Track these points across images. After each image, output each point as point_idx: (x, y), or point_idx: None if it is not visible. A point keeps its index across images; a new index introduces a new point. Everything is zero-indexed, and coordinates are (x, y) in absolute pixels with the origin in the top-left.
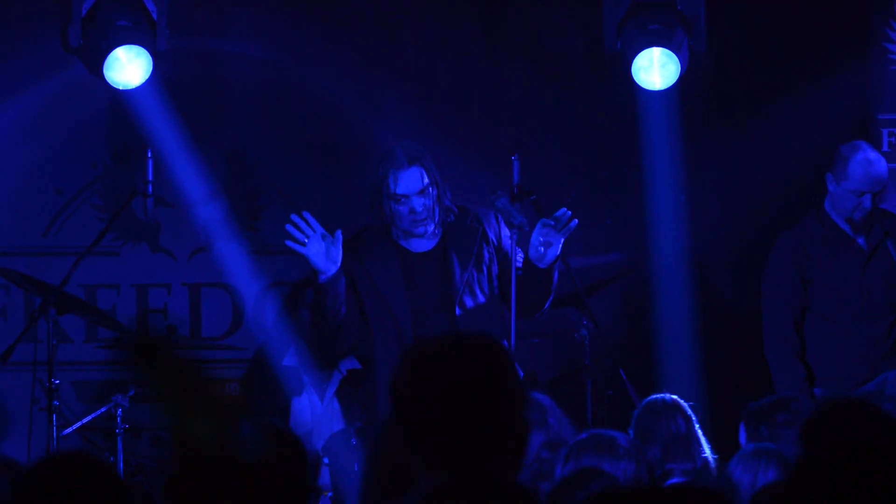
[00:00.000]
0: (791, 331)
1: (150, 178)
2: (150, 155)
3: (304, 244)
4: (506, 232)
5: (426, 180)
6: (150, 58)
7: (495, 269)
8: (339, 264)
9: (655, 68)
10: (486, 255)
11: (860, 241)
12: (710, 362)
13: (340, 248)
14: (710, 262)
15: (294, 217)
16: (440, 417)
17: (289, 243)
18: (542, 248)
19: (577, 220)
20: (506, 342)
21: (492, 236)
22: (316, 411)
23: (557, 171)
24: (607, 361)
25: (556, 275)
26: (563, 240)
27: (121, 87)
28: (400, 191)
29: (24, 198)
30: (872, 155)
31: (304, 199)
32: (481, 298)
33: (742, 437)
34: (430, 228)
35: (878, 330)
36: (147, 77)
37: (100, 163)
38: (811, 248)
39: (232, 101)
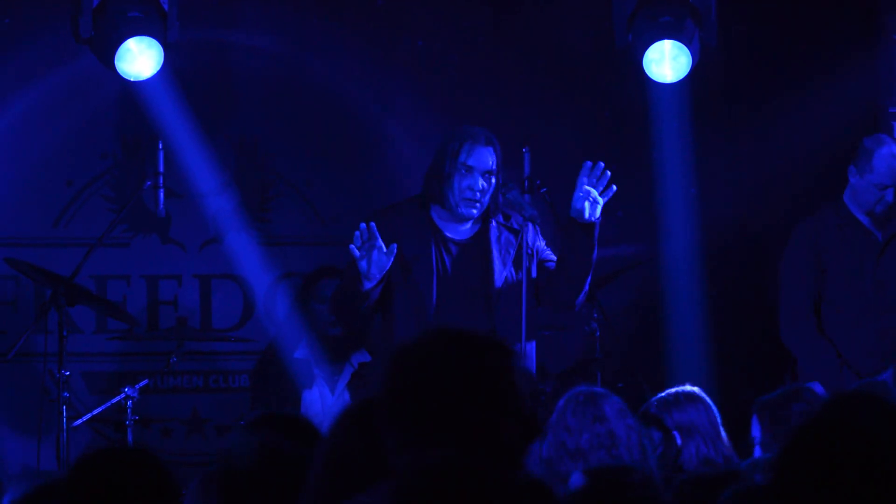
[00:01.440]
0: (811, 314)
1: (161, 169)
2: (160, 146)
3: (360, 250)
4: (541, 244)
5: (494, 166)
6: (161, 49)
7: (534, 273)
8: (383, 274)
9: (666, 61)
10: (525, 260)
11: (877, 233)
12: (720, 354)
13: (391, 261)
14: (720, 254)
15: (362, 225)
16: (427, 408)
17: (351, 248)
18: (590, 202)
19: (614, 187)
20: (533, 343)
21: (531, 244)
22: (326, 404)
23: (568, 163)
24: (617, 353)
25: (596, 238)
26: (603, 200)
27: (132, 79)
28: (471, 162)
29: (35, 189)
30: None
31: (315, 190)
32: (514, 300)
33: (755, 431)
34: (476, 214)
35: (889, 322)
36: (158, 68)
37: (110, 154)
38: (827, 237)
39: (242, 92)
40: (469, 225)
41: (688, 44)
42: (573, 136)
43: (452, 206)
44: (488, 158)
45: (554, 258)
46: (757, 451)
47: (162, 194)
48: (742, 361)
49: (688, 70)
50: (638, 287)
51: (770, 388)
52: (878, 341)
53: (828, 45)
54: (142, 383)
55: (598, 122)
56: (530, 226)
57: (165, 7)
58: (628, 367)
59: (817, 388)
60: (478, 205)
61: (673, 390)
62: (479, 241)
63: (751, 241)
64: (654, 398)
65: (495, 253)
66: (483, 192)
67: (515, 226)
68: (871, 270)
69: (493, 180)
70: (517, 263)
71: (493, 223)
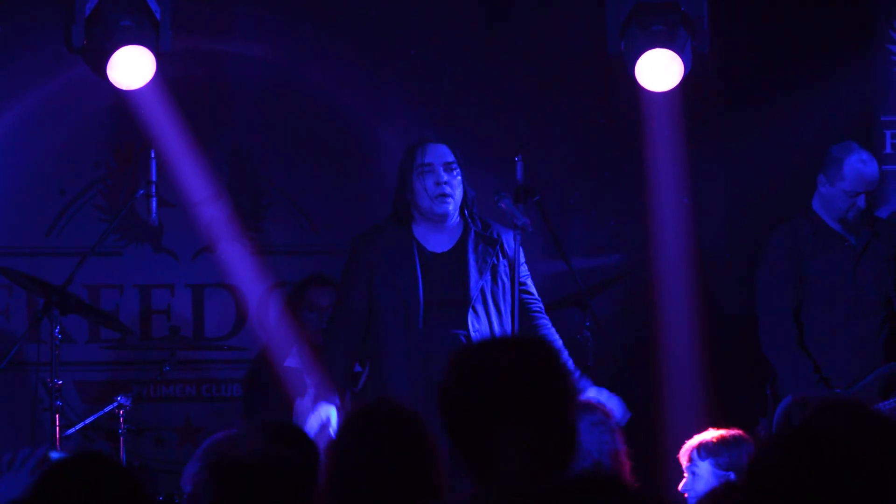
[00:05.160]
0: (792, 324)
1: (154, 178)
2: (153, 155)
3: None
4: (522, 258)
5: (452, 157)
6: (153, 58)
7: (508, 284)
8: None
9: (658, 69)
10: (502, 269)
11: (851, 239)
12: (712, 363)
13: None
14: (712, 263)
15: None
16: (487, 419)
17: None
18: None
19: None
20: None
21: (510, 253)
22: None
23: (561, 171)
24: (610, 362)
25: None
26: None
27: (124, 88)
28: (427, 160)
29: (27, 198)
30: (865, 155)
31: (308, 199)
32: (493, 308)
33: None
34: (453, 211)
35: (869, 328)
36: (150, 77)
37: (103, 163)
38: (804, 246)
39: (235, 101)
40: (448, 236)
41: (680, 52)
42: (566, 144)
43: (427, 211)
44: (443, 151)
45: (532, 292)
46: None
47: (154, 203)
48: (734, 369)
49: (680, 79)
50: (630, 295)
51: (761, 397)
52: (858, 347)
53: (821, 54)
54: (135, 392)
55: (590, 131)
56: (511, 237)
57: (158, 16)
58: (621, 376)
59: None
60: (449, 199)
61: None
62: (458, 251)
63: (743, 249)
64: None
65: (471, 262)
66: (449, 184)
67: (494, 235)
68: (850, 277)
69: (457, 173)
70: (495, 273)
71: (472, 233)
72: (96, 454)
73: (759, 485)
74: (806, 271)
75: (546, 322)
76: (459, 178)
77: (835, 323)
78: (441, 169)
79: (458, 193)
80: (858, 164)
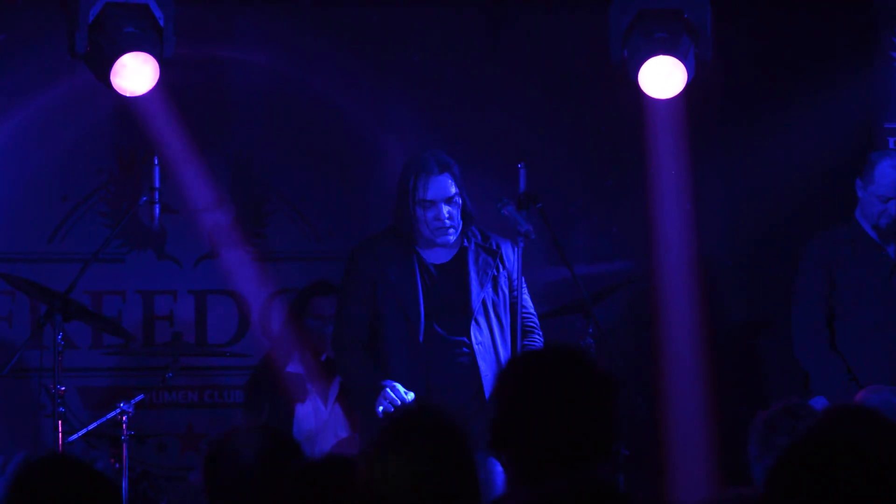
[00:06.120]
0: (825, 327)
1: (157, 184)
2: (156, 162)
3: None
4: (519, 266)
5: (454, 189)
6: (156, 65)
7: (508, 295)
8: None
9: (661, 77)
10: (502, 280)
11: (889, 249)
12: (715, 370)
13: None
14: (715, 269)
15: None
16: (540, 424)
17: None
18: None
19: None
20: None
21: (509, 266)
22: (321, 418)
23: (563, 179)
24: (612, 369)
25: None
26: None
27: (127, 94)
28: (429, 196)
29: (30, 204)
30: None
31: (310, 206)
32: (494, 320)
33: (750, 445)
34: (453, 239)
35: None
36: (153, 84)
37: (106, 169)
38: (839, 252)
39: (238, 108)
40: (447, 247)
41: (683, 59)
42: (568, 151)
43: (427, 238)
44: (445, 186)
45: (527, 306)
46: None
47: (157, 210)
48: (736, 377)
49: (682, 86)
50: (633, 303)
51: (764, 404)
52: (890, 356)
53: (824, 61)
54: (137, 398)
55: (593, 138)
56: (509, 248)
57: (161, 23)
58: (623, 383)
59: (818, 403)
60: (451, 230)
61: None
62: (458, 263)
63: (745, 255)
64: None
65: (472, 275)
66: (452, 216)
67: (493, 247)
68: (882, 286)
69: (458, 200)
70: (495, 285)
71: (472, 245)
72: (63, 456)
73: (778, 495)
74: (838, 279)
75: (538, 339)
76: (461, 203)
77: (866, 331)
78: (442, 205)
79: (459, 219)
80: (890, 169)
